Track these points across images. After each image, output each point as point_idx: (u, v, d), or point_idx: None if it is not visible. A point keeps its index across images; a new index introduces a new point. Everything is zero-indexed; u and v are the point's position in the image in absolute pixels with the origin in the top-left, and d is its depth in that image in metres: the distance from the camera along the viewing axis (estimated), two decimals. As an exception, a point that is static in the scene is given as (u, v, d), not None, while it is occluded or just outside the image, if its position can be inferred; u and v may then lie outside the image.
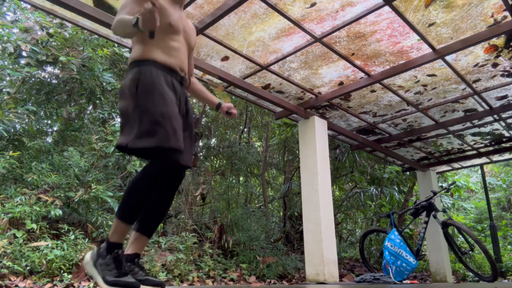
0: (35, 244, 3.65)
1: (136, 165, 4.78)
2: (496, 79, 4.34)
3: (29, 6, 5.03)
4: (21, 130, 5.22)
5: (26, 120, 5.19)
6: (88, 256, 1.78)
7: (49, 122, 6.07)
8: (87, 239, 3.96)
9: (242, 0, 3.04)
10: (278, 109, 5.10)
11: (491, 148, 6.56)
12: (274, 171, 9.91)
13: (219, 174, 7.90)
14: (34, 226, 3.77)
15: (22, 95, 5.39)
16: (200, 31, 3.41)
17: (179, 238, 5.01)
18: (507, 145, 6.35)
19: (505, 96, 4.74)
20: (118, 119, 1.89)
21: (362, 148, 6.46)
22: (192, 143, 1.99)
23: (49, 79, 5.59)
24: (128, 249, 1.88)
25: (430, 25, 3.42)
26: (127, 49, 4.57)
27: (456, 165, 7.46)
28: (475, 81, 4.37)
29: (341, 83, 4.48)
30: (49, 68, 5.56)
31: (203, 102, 2.31)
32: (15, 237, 3.64)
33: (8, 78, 5.23)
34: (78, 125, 5.81)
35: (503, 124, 5.52)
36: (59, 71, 5.37)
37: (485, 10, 3.23)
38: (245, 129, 8.92)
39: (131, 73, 1.83)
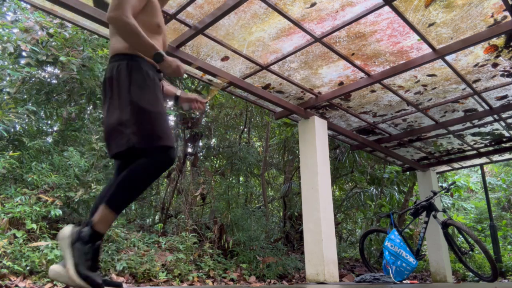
0: (35, 244, 3.65)
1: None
2: (496, 79, 4.34)
3: (29, 6, 5.03)
4: (21, 130, 5.22)
5: (26, 120, 5.19)
6: (67, 231, 1.63)
7: (49, 122, 6.07)
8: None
9: (242, 0, 3.04)
10: (278, 109, 5.10)
11: (491, 148, 6.56)
12: (274, 171, 9.91)
13: (219, 174, 7.90)
14: (34, 226, 3.77)
15: (22, 95, 5.39)
16: (200, 31, 3.41)
17: (179, 238, 5.01)
18: (507, 145, 6.35)
19: (505, 96, 4.74)
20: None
21: (362, 148, 6.45)
22: None
23: (49, 79, 5.59)
24: None
25: (430, 25, 3.42)
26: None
27: (456, 165, 7.46)
28: (475, 81, 4.37)
29: (341, 83, 4.48)
30: (49, 68, 5.56)
31: (169, 96, 2.22)
32: (15, 237, 3.64)
33: (8, 78, 5.23)
34: (78, 125, 5.81)
35: (503, 124, 5.51)
36: (59, 71, 5.37)
37: (485, 10, 3.23)
38: (245, 129, 8.92)
39: (122, 67, 1.76)
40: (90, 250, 1.62)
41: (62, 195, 4.25)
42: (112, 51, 1.84)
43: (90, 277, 1.58)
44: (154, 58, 1.75)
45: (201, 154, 7.74)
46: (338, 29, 3.48)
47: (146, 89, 1.76)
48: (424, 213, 4.94)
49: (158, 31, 1.92)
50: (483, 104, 4.89)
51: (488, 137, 6.05)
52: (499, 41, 3.64)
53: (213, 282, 4.48)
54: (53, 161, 4.64)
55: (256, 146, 9.89)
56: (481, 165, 7.93)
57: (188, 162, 7.47)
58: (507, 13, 3.24)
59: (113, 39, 1.86)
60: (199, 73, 4.23)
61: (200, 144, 7.73)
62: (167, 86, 2.18)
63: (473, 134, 5.97)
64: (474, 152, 6.74)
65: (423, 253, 5.42)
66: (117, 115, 1.72)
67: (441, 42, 3.67)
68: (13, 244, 3.50)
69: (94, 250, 1.64)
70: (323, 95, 4.68)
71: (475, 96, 4.68)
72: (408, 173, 8.02)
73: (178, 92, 2.20)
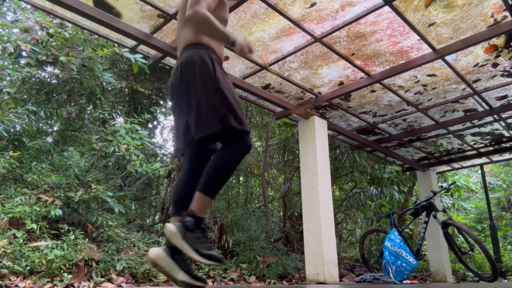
0: (35, 244, 3.65)
1: (136, 165, 4.77)
2: (496, 79, 4.34)
3: (29, 6, 5.03)
4: (21, 130, 5.22)
5: (26, 120, 5.19)
6: (173, 228, 1.78)
7: (49, 122, 6.07)
8: (87, 239, 3.96)
9: (242, 0, 3.04)
10: (278, 109, 5.10)
11: (491, 148, 6.56)
12: (274, 171, 9.91)
13: (219, 174, 7.88)
14: (34, 226, 3.77)
15: (22, 95, 5.38)
16: (200, 31, 3.41)
17: (179, 238, 4.99)
18: (507, 145, 6.35)
19: (505, 96, 4.74)
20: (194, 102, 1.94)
21: (362, 148, 6.45)
22: None
23: (49, 79, 5.59)
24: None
25: (430, 25, 3.42)
26: (127, 49, 4.58)
27: (456, 165, 7.46)
28: (475, 81, 4.37)
29: (341, 83, 4.48)
30: (49, 68, 5.56)
31: None
32: (15, 237, 3.64)
33: (8, 78, 5.23)
34: (78, 125, 5.80)
35: (503, 124, 5.51)
36: (59, 71, 5.37)
37: (485, 10, 3.23)
38: (245, 129, 8.89)
39: (203, 54, 1.91)
40: (201, 234, 1.81)
41: (62, 195, 4.25)
42: (193, 39, 1.99)
43: (212, 254, 1.78)
44: (228, 42, 1.94)
45: (201, 154, 7.71)
46: (338, 29, 3.49)
47: (228, 80, 1.97)
48: (424, 213, 4.94)
49: (225, 25, 2.14)
50: (483, 104, 4.89)
51: (488, 137, 6.05)
52: (499, 41, 3.64)
53: (213, 282, 4.48)
54: (53, 161, 4.64)
55: (256, 146, 9.88)
56: (481, 165, 7.93)
57: (188, 162, 7.45)
58: (507, 13, 3.24)
59: (187, 31, 2.02)
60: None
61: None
62: None
63: (473, 134, 5.97)
64: (474, 152, 6.74)
65: (423, 253, 5.42)
66: (206, 99, 1.85)
67: (441, 42, 3.67)
68: (13, 244, 3.50)
69: (204, 232, 1.84)
70: (323, 95, 4.68)
71: (475, 96, 4.68)
72: (408, 173, 8.02)
73: None
